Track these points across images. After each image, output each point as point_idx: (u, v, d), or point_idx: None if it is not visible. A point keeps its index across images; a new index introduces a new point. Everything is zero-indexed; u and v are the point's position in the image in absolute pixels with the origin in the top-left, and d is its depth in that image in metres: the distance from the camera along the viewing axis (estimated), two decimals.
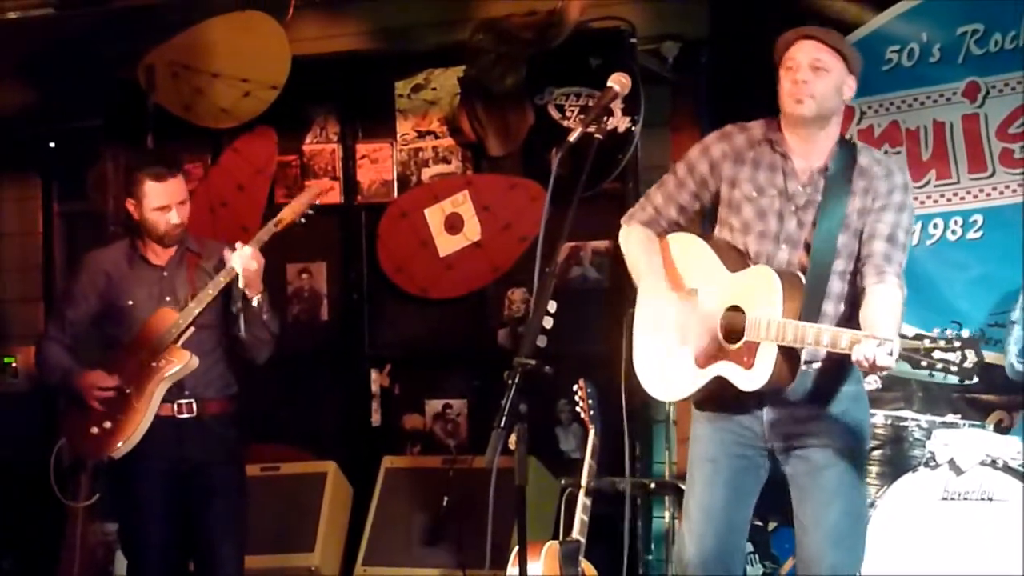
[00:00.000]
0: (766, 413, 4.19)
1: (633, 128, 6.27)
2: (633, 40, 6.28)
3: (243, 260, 5.06)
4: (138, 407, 5.10)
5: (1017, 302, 5.45)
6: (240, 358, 5.29)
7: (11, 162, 7.67)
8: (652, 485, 5.88)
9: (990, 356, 5.57)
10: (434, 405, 6.79)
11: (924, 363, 3.74)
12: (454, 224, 6.70)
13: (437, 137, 6.82)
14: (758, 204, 4.22)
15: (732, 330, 4.11)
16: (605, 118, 4.12)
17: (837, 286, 4.16)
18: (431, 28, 6.89)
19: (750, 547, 5.84)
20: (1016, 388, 5.43)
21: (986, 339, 5.67)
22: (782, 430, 4.20)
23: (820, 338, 3.92)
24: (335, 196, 6.89)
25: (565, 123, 6.47)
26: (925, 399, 5.42)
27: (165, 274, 5.23)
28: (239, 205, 6.95)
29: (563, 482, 5.62)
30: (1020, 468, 4.93)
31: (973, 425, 5.27)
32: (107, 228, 7.01)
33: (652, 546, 6.33)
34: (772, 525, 5.86)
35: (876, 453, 5.20)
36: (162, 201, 5.15)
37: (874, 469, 5.18)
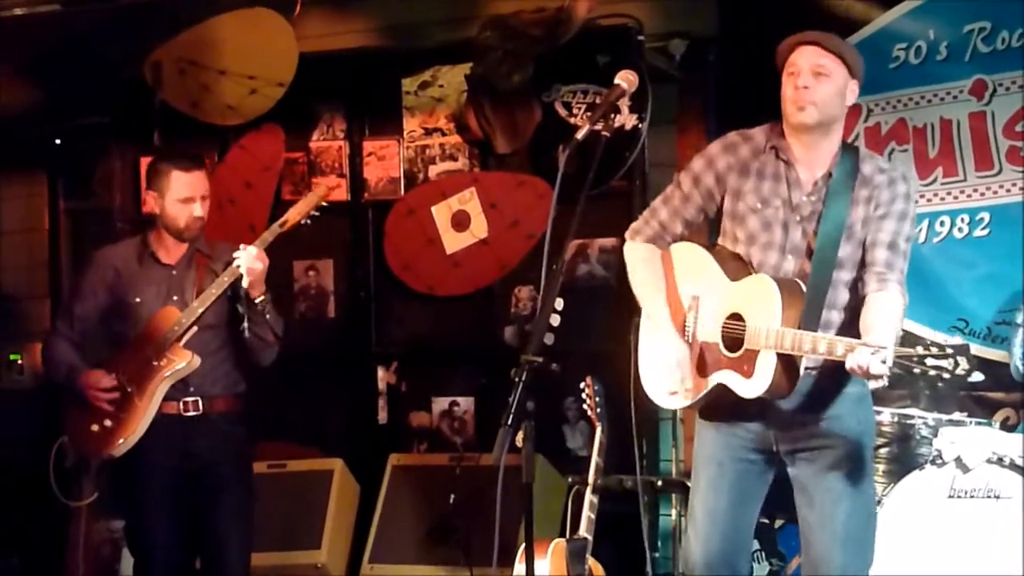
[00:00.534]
0: (770, 418, 4.20)
1: (640, 126, 6.26)
2: (641, 38, 6.27)
3: (248, 260, 5.04)
4: (139, 405, 5.09)
5: (1021, 303, 5.45)
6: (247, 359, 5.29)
7: (17, 159, 7.64)
8: (659, 483, 5.87)
9: (997, 354, 5.58)
10: (441, 403, 6.78)
11: (917, 370, 3.76)
12: (461, 221, 6.70)
13: (444, 134, 6.81)
14: (763, 215, 4.22)
15: (733, 338, 4.13)
16: (612, 116, 4.11)
17: (841, 295, 4.16)
18: (438, 25, 6.88)
19: (756, 545, 5.85)
20: (1022, 387, 5.43)
21: (993, 337, 5.68)
22: (787, 434, 4.21)
23: (817, 346, 3.93)
24: (342, 193, 6.88)
25: (572, 120, 6.46)
26: (932, 397, 5.41)
27: (174, 273, 5.23)
28: (246, 202, 6.94)
29: (570, 480, 5.61)
30: None
31: (980, 423, 5.26)
32: (114, 225, 7.02)
33: (659, 543, 6.33)
34: (779, 522, 5.85)
35: (883, 451, 5.20)
36: (187, 193, 5.14)
37: (881, 467, 5.17)
